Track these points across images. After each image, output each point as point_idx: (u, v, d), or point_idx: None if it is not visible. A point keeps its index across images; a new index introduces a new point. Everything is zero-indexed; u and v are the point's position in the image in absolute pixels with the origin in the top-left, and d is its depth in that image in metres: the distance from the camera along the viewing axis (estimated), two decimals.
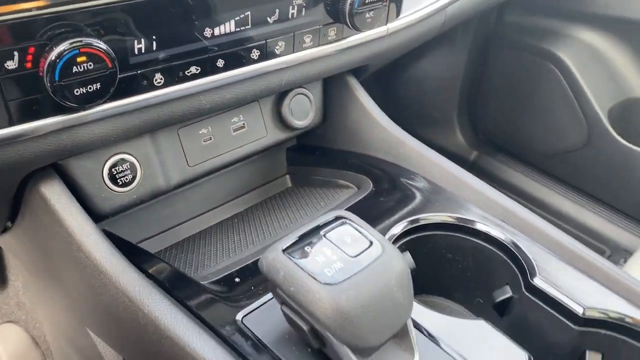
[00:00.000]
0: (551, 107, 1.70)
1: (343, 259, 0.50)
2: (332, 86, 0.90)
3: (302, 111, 0.85)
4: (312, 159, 0.94)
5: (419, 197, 0.75)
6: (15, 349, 1.30)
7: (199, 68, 0.65)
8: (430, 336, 0.56)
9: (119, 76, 0.58)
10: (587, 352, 0.61)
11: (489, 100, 1.86)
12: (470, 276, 0.72)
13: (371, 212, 0.74)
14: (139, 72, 0.61)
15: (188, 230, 0.85)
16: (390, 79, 1.95)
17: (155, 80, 0.63)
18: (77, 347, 0.91)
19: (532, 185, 1.83)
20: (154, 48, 0.61)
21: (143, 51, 0.61)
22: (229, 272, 0.65)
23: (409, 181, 0.79)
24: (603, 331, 0.60)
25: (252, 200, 0.93)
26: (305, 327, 0.50)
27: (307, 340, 0.52)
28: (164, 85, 0.64)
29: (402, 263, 0.52)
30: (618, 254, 1.55)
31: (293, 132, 0.87)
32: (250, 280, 0.63)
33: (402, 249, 0.71)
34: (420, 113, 1.97)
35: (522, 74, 1.72)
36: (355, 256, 0.50)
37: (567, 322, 0.60)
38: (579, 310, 0.60)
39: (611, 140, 1.60)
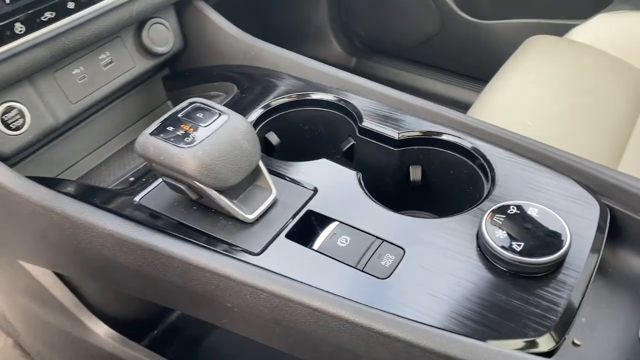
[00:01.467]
0: (407, 2, 1.88)
1: (198, 128, 0.65)
2: (186, 13, 1.03)
3: (162, 38, 0.98)
4: (186, 81, 1.07)
5: (271, 86, 0.91)
6: None
7: (53, 13, 0.77)
8: (291, 180, 0.73)
9: None
10: (410, 167, 0.81)
11: (355, 6, 2.02)
12: (326, 139, 0.90)
13: (235, 108, 0.89)
14: None
15: (87, 166, 0.98)
16: (261, 6, 2.06)
17: (17, 29, 0.74)
18: (20, 289, 1.03)
19: (407, 76, 2.03)
20: (7, 1, 0.72)
21: None
22: (125, 177, 0.79)
23: (263, 76, 0.94)
24: (416, 147, 0.79)
25: (143, 128, 1.05)
26: (182, 186, 0.66)
27: (188, 197, 0.68)
28: (26, 33, 0.75)
29: (245, 123, 0.68)
30: None
31: (158, 59, 0.99)
32: (143, 176, 0.77)
33: (265, 130, 0.87)
34: (296, 33, 2.11)
35: None
36: (208, 125, 0.66)
37: (389, 147, 0.79)
38: (395, 135, 0.78)
39: (460, 20, 1.81)
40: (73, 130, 0.96)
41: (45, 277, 0.91)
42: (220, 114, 0.68)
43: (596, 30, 1.43)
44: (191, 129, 0.65)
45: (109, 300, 0.98)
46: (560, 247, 0.58)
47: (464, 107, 1.86)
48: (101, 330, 0.99)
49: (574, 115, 1.14)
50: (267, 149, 0.87)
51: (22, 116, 0.82)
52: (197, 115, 0.68)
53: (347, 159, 0.86)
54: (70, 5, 0.78)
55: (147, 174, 0.78)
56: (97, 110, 0.98)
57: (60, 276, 0.91)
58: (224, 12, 1.10)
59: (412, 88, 2.00)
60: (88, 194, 0.74)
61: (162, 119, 0.67)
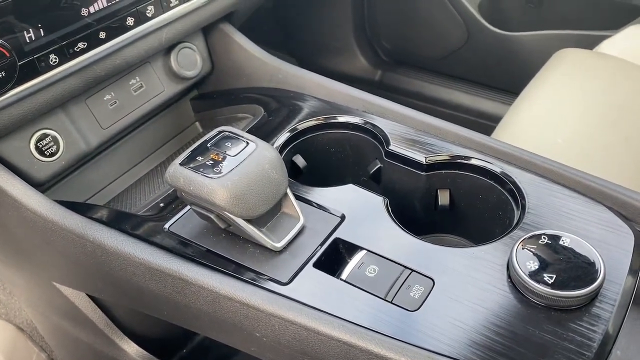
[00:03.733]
0: (433, 15, 1.87)
1: (226, 158, 0.66)
2: (212, 36, 1.04)
3: (190, 62, 0.99)
4: (213, 103, 1.09)
5: (298, 109, 0.92)
6: (3, 341, 1.42)
7: (85, 43, 0.79)
8: (318, 206, 0.73)
9: (18, 64, 0.71)
10: (438, 191, 0.80)
11: (380, 19, 2.02)
12: (352, 161, 0.90)
13: (262, 131, 0.90)
14: (35, 57, 0.74)
15: (117, 188, 0.99)
16: (286, 21, 2.08)
17: (51, 60, 0.76)
18: (54, 308, 1.06)
19: (433, 89, 2.02)
20: (42, 34, 0.74)
21: (34, 39, 0.73)
22: (155, 202, 0.81)
23: (290, 99, 0.95)
24: (443, 171, 0.78)
25: (172, 149, 1.08)
26: (211, 215, 0.67)
27: (216, 225, 0.68)
28: (60, 64, 0.77)
29: (272, 152, 0.68)
30: None
31: (187, 83, 1.01)
32: (172, 202, 0.78)
33: (292, 153, 0.88)
34: (321, 46, 2.12)
35: None
36: (236, 155, 0.67)
37: (416, 171, 0.79)
38: (422, 159, 0.78)
39: (487, 32, 1.80)
40: (103, 154, 0.98)
41: (78, 298, 0.93)
42: (248, 143, 0.68)
43: (627, 43, 1.41)
44: (220, 159, 0.66)
45: (139, 320, 1.00)
46: (594, 279, 0.57)
47: (490, 119, 1.84)
48: (131, 350, 1.01)
49: (606, 132, 1.12)
50: (294, 172, 0.87)
51: (56, 143, 0.84)
52: (226, 144, 0.68)
53: (374, 181, 0.86)
54: (102, 35, 0.80)
55: (177, 199, 0.79)
56: (126, 133, 1.00)
57: (92, 298, 0.92)
58: (249, 29, 1.11)
59: (438, 100, 1.98)
60: (120, 220, 0.75)
61: (191, 148, 0.68)
